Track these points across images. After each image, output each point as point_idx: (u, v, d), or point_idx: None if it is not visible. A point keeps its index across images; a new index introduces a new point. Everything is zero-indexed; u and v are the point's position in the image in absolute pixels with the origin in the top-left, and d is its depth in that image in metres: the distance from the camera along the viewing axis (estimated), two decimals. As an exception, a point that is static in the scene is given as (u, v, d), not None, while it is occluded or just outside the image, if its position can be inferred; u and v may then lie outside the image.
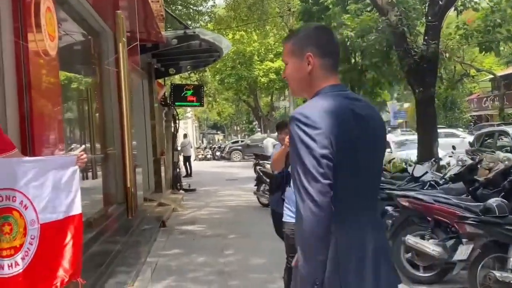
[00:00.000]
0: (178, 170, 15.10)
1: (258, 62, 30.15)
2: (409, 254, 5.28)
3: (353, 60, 15.32)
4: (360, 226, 1.83)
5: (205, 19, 20.06)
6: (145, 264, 6.25)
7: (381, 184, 7.50)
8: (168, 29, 12.53)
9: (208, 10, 19.91)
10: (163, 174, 12.82)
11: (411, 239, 5.15)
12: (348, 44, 12.15)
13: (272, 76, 29.35)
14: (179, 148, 17.86)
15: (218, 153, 34.45)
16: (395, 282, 1.91)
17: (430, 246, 5.02)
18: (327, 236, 1.71)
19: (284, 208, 4.04)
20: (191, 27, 12.42)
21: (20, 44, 3.97)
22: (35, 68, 4.15)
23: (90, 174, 7.25)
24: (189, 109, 35.55)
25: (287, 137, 3.50)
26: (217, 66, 27.83)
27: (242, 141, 35.59)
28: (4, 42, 3.94)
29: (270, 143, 15.37)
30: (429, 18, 9.97)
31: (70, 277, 2.75)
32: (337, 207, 1.74)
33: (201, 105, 16.31)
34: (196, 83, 20.28)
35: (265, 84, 30.41)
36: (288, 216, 3.93)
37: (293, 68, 1.95)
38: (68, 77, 6.72)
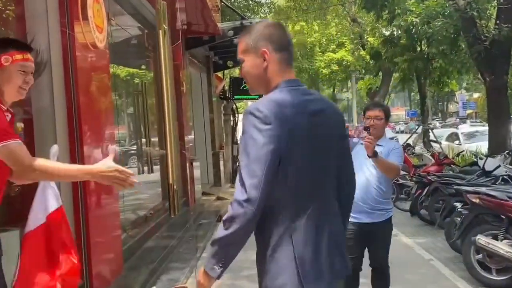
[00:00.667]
0: (237, 164, 14.99)
1: (320, 53, 29.63)
2: (480, 255, 4.87)
3: (418, 48, 14.65)
4: (313, 220, 1.85)
5: (264, 11, 19.85)
6: (200, 260, 6.12)
7: (449, 179, 7.20)
8: (226, 21, 12.41)
9: (267, 1, 19.68)
10: (222, 168, 12.76)
11: (482, 239, 4.72)
12: (413, 31, 11.60)
13: (334, 67, 28.77)
14: (238, 142, 17.74)
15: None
16: (343, 272, 1.96)
17: (504, 247, 4.59)
18: (248, 231, 1.80)
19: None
20: (249, 19, 12.22)
21: (67, 36, 3.90)
22: (82, 60, 4.07)
23: (146, 168, 7.24)
24: (249, 102, 35.44)
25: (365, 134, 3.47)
26: (277, 58, 27.48)
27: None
28: (51, 34, 3.88)
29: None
30: (501, 0, 9.31)
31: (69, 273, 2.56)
32: (287, 202, 1.81)
33: (261, 97, 16.05)
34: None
35: (327, 76, 29.86)
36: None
37: (250, 65, 1.94)
38: (122, 70, 6.70)
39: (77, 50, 3.97)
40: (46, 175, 2.36)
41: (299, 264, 1.81)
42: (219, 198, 10.70)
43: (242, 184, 1.76)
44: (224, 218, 1.82)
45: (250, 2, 18.68)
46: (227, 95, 14.54)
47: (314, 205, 1.88)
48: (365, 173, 3.68)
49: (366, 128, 3.66)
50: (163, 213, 7.19)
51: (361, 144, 3.64)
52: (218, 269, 1.83)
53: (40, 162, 2.30)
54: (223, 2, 10.13)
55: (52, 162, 2.45)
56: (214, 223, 8.38)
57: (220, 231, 1.83)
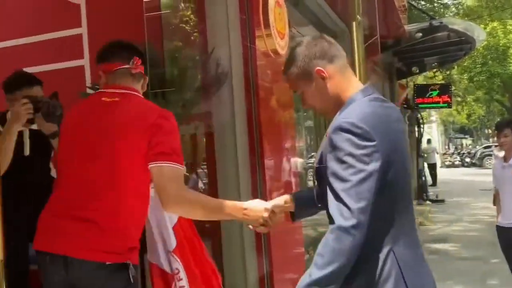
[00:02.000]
0: (423, 178, 13.93)
1: (515, 56, 26.56)
2: None
3: None
4: (413, 239, 1.72)
5: (451, 13, 18.33)
6: None
7: None
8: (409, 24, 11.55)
9: (454, 2, 18.14)
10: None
11: None
12: None
13: (532, 71, 25.52)
14: (424, 155, 16.60)
15: (467, 159, 31.75)
16: None
17: None
18: (352, 263, 1.54)
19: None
20: (439, 19, 11.17)
21: (248, 47, 3.69)
22: (264, 68, 3.83)
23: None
24: (433, 112, 33.54)
25: None
26: (465, 64, 25.43)
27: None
28: (232, 46, 3.68)
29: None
30: None
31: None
32: (388, 221, 1.64)
33: (449, 106, 14.89)
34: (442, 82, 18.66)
35: (523, 81, 26.66)
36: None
37: (311, 93, 1.77)
38: None
39: (258, 59, 3.74)
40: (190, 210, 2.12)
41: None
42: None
43: (346, 209, 1.53)
44: (321, 252, 1.55)
45: (435, 4, 17.38)
46: (411, 104, 13.76)
47: (408, 221, 1.74)
48: None
49: None
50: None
51: None
52: None
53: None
54: (409, 3, 9.32)
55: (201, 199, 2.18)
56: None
57: (319, 271, 1.53)
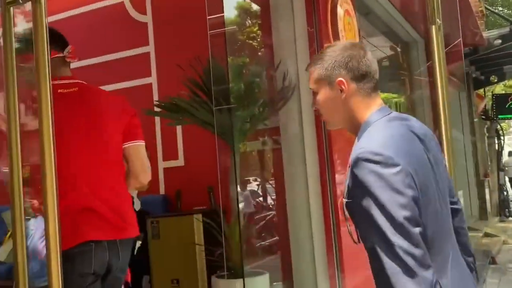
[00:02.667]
0: (505, 193, 13.13)
1: None
2: None
3: None
4: (456, 268, 1.53)
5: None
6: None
7: None
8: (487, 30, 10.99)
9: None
10: (488, 198, 11.26)
11: None
12: None
13: None
14: (505, 168, 15.69)
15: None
16: None
17: None
18: None
19: None
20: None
21: (316, 53, 3.54)
22: None
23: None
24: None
25: None
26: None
27: None
28: (299, 59, 3.56)
29: None
30: None
31: None
32: (431, 253, 1.39)
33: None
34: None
35: None
36: None
37: (324, 98, 1.64)
38: None
39: None
40: None
41: None
42: (487, 235, 9.36)
43: (401, 250, 1.32)
44: None
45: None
46: (490, 114, 13.05)
47: (450, 251, 1.55)
48: None
49: None
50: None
51: None
52: None
53: None
54: (487, 8, 8.85)
55: None
56: (486, 266, 7.15)
57: None
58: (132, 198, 2.82)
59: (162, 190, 4.55)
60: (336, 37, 3.65)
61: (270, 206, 4.51)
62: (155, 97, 4.34)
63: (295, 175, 3.50)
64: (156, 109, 3.90)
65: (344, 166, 3.74)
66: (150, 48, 4.40)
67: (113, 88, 4.74)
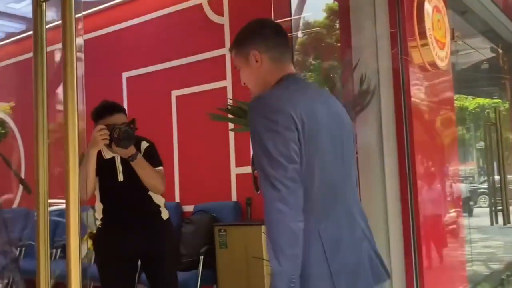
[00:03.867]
0: None
1: None
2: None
3: None
4: (338, 217, 1.72)
5: None
6: None
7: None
8: None
9: None
10: None
11: None
12: None
13: None
14: None
15: None
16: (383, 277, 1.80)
17: None
18: (300, 227, 1.58)
19: None
20: None
21: (399, 61, 3.26)
22: (418, 84, 3.35)
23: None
24: None
25: None
26: None
27: None
28: (380, 53, 3.28)
29: None
30: None
31: None
32: (311, 198, 1.64)
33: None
34: None
35: None
36: None
37: (246, 71, 1.86)
38: (468, 101, 5.77)
39: (411, 73, 3.28)
40: None
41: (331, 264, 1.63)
42: None
43: (276, 180, 1.55)
44: (270, 244, 1.63)
45: None
46: None
47: (345, 205, 1.77)
48: None
49: None
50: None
51: None
52: None
53: None
54: None
55: None
56: None
57: None
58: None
59: (234, 197, 4.44)
60: (423, 36, 3.32)
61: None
62: (229, 100, 4.23)
63: (372, 190, 3.24)
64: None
65: (429, 178, 3.41)
66: (226, 51, 4.30)
67: (189, 91, 4.71)
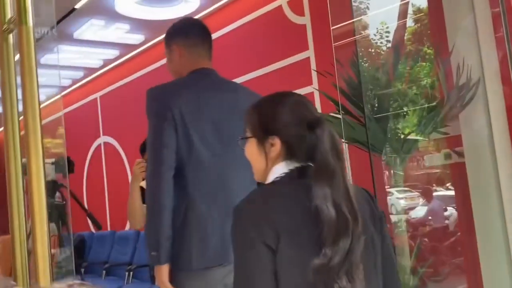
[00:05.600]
0: None
1: None
2: None
3: None
4: (208, 205, 1.95)
5: None
6: None
7: None
8: None
9: None
10: None
11: None
12: None
13: None
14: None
15: None
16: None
17: None
18: (168, 202, 1.88)
19: None
20: None
21: (506, 40, 2.84)
22: None
23: None
24: None
25: None
26: None
27: None
28: (481, 40, 2.92)
29: None
30: None
31: None
32: (188, 176, 1.94)
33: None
34: None
35: None
36: None
37: (167, 61, 2.21)
38: None
39: None
40: None
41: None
42: None
43: (152, 160, 1.93)
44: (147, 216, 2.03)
45: None
46: None
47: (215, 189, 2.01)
48: None
49: None
50: None
51: None
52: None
53: None
54: None
55: None
56: None
57: None
58: None
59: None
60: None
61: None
62: (318, 107, 3.98)
63: (484, 196, 2.92)
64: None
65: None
66: (310, 53, 4.04)
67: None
